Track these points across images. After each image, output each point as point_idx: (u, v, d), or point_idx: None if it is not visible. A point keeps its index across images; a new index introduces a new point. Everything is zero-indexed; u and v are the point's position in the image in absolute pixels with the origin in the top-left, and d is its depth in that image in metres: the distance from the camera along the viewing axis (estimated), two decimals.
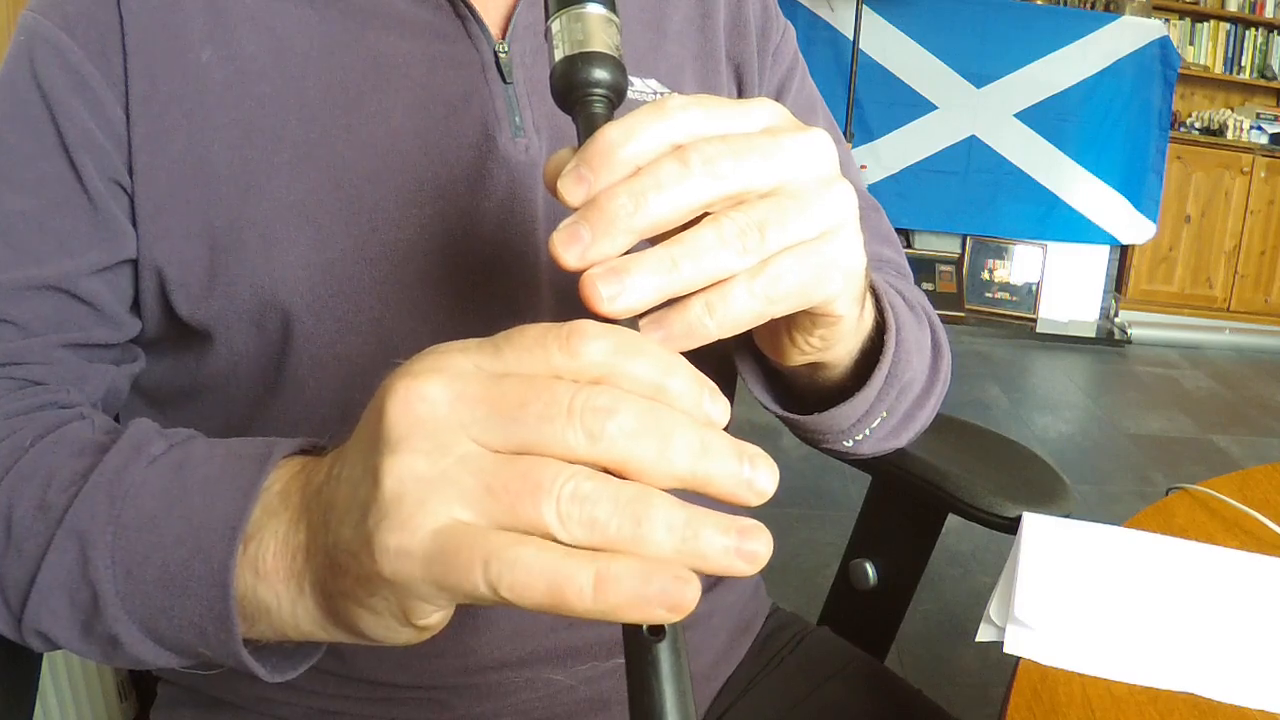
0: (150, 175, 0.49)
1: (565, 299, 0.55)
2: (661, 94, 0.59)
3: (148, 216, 0.49)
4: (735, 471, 0.28)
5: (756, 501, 0.28)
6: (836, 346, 0.44)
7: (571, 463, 0.27)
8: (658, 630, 0.27)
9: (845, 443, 0.55)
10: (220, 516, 0.36)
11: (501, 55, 0.54)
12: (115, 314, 0.51)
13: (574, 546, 0.26)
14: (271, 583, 0.35)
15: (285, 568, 0.34)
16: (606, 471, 0.27)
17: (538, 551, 0.26)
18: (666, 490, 0.28)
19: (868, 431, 0.54)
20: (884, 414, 0.53)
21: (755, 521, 0.27)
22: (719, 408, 0.29)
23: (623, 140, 0.32)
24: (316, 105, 0.51)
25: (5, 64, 0.50)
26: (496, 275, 0.53)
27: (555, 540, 0.26)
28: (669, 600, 0.25)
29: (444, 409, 0.28)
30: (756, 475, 0.28)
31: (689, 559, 0.26)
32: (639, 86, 0.58)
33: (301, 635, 0.36)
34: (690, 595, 0.25)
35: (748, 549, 0.27)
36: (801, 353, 0.43)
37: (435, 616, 0.31)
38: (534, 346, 0.28)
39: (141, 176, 0.49)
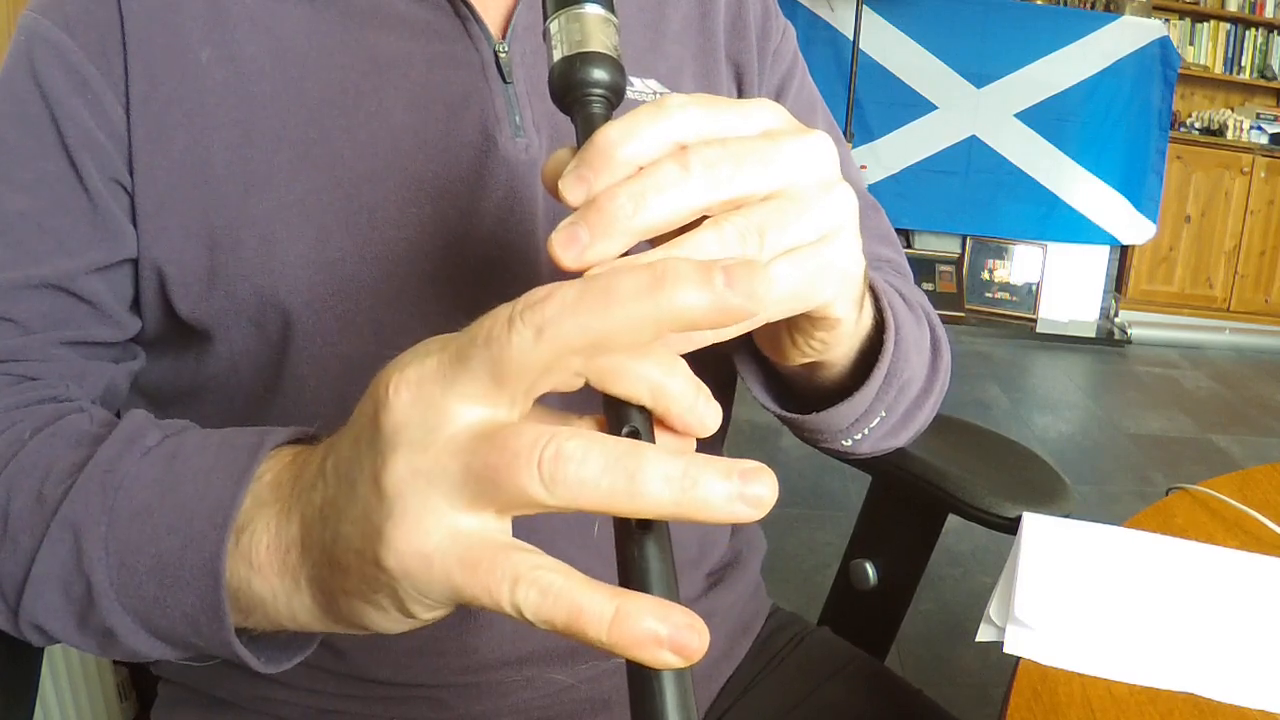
0: (150, 175, 0.49)
1: None
2: (661, 94, 0.59)
3: (148, 216, 0.49)
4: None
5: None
6: (836, 347, 0.44)
7: (531, 363, 0.26)
8: None
9: (844, 442, 0.55)
10: (212, 506, 0.36)
11: (501, 55, 0.54)
12: (115, 313, 0.51)
13: (564, 509, 0.26)
14: (266, 576, 0.35)
15: (279, 562, 0.34)
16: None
17: (565, 579, 0.26)
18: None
19: (866, 431, 0.54)
20: (883, 413, 0.53)
21: (758, 463, 0.27)
22: (712, 411, 0.29)
23: (622, 140, 0.32)
24: (316, 105, 0.51)
25: (5, 64, 0.50)
26: (496, 275, 0.53)
27: (546, 507, 0.26)
28: (679, 646, 0.25)
29: (425, 389, 0.28)
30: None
31: (690, 510, 0.26)
32: (638, 87, 0.58)
33: (299, 626, 0.36)
34: (699, 646, 0.25)
35: (751, 493, 0.26)
36: (802, 354, 0.43)
37: (439, 610, 0.31)
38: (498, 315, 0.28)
39: (141, 176, 0.49)
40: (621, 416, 0.29)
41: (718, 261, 0.26)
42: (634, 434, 0.28)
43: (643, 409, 0.29)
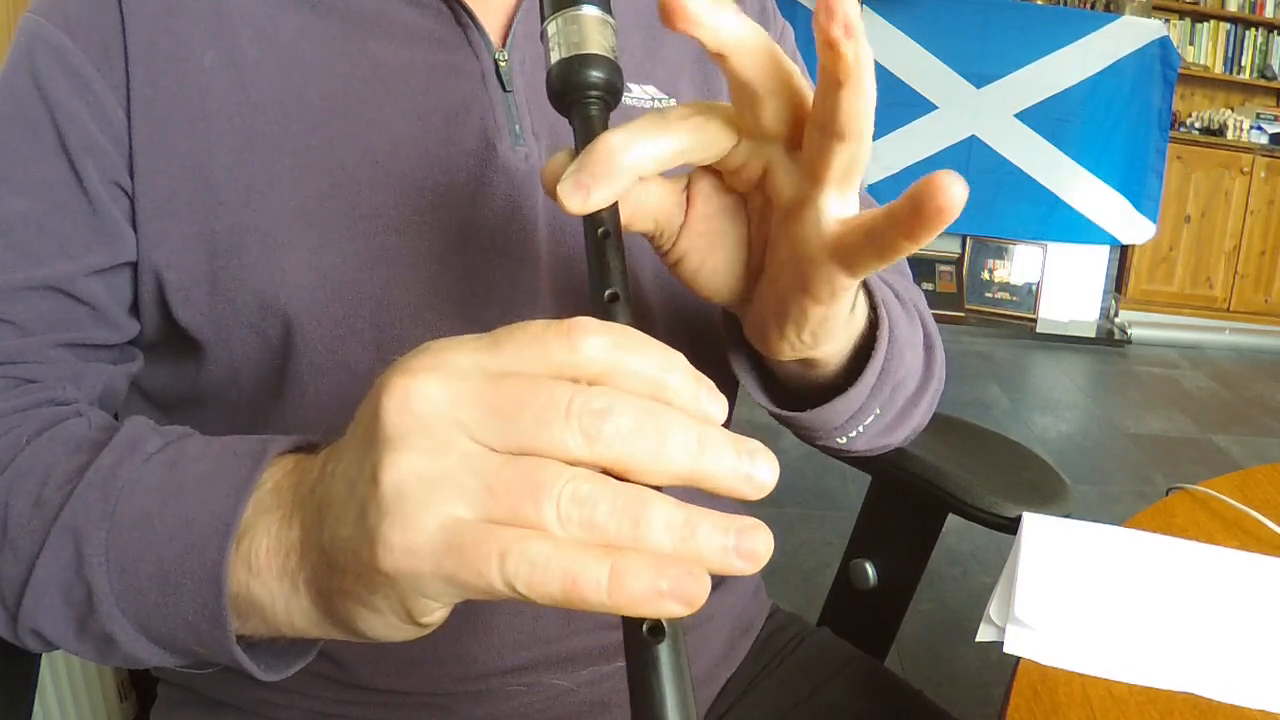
0: (151, 179, 0.49)
1: (564, 304, 0.55)
2: (659, 100, 0.59)
3: (148, 220, 0.49)
4: (734, 466, 0.28)
5: (757, 495, 0.28)
6: (826, 344, 0.44)
7: (570, 464, 0.27)
8: (658, 630, 0.27)
9: (839, 440, 0.55)
10: (214, 513, 0.36)
11: (501, 64, 0.54)
12: (113, 315, 0.51)
13: (567, 542, 0.26)
14: (265, 580, 0.35)
15: (279, 565, 0.34)
16: (606, 472, 0.27)
17: (554, 547, 0.26)
18: (667, 487, 0.28)
19: (860, 429, 0.54)
20: (877, 411, 0.53)
21: (755, 520, 0.27)
22: (716, 404, 0.29)
23: (623, 148, 0.32)
24: (318, 112, 0.51)
25: (6, 66, 0.50)
26: (496, 282, 0.53)
27: (550, 538, 0.26)
28: (681, 594, 0.25)
29: (443, 407, 0.28)
30: (756, 469, 0.28)
31: (688, 559, 0.26)
32: (636, 93, 0.58)
33: (296, 632, 0.36)
34: (701, 590, 0.26)
35: (747, 548, 0.27)
36: (791, 348, 0.43)
37: (437, 614, 0.31)
38: (533, 342, 0.28)
39: (142, 179, 0.49)
40: None
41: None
42: None
43: None
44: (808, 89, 0.35)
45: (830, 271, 0.37)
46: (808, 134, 0.35)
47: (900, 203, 0.32)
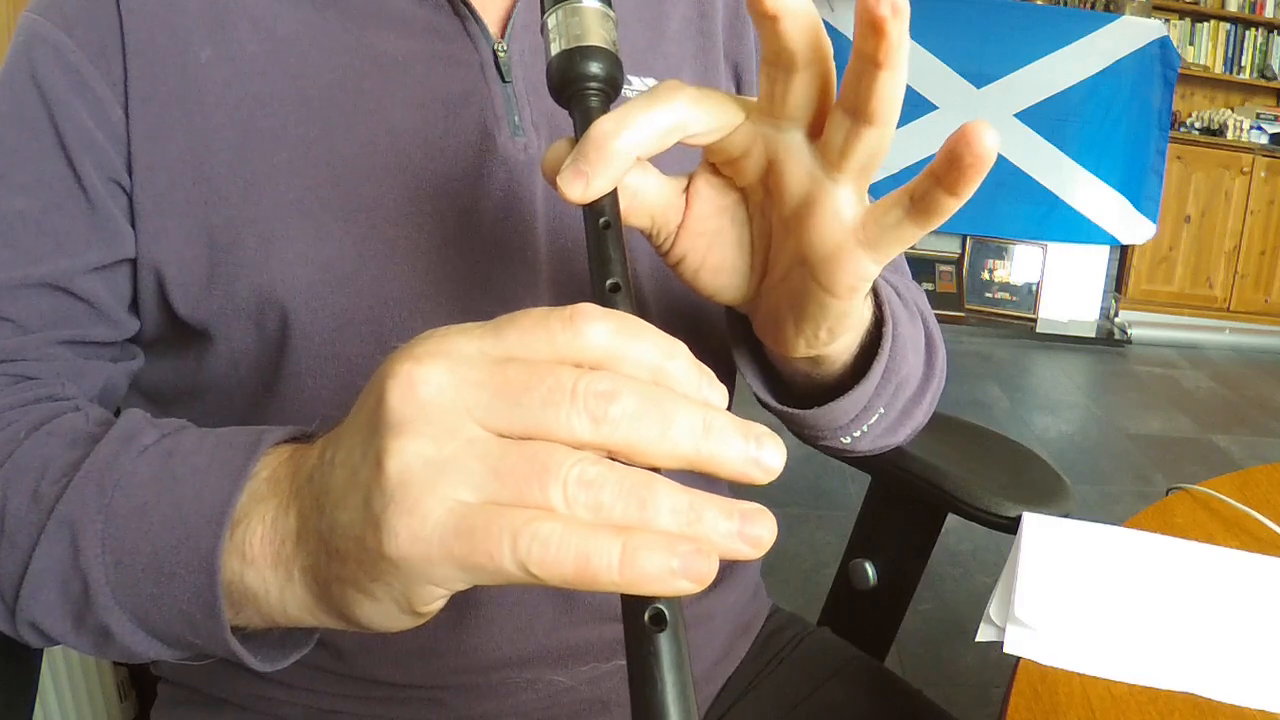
0: (149, 175, 0.49)
1: (563, 296, 0.55)
2: None
3: (146, 216, 0.49)
4: (741, 450, 0.28)
5: (765, 479, 0.28)
6: (840, 338, 0.44)
7: (575, 447, 0.27)
8: (659, 619, 0.27)
9: (843, 439, 0.55)
10: (208, 504, 0.36)
11: (500, 54, 0.54)
12: (113, 312, 0.51)
13: (574, 524, 0.26)
14: (259, 568, 0.35)
15: (273, 553, 0.34)
16: (611, 457, 0.27)
17: (565, 526, 0.26)
18: (673, 470, 0.28)
19: (865, 428, 0.54)
20: (881, 410, 0.53)
21: (758, 505, 0.27)
22: (717, 392, 0.29)
23: (616, 131, 0.32)
24: (316, 104, 0.51)
25: (4, 64, 0.50)
26: (495, 273, 0.53)
27: (557, 519, 0.26)
28: (692, 572, 0.25)
29: (449, 392, 0.27)
30: (763, 453, 0.28)
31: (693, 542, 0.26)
32: (636, 85, 0.58)
33: (290, 621, 0.36)
34: (710, 568, 0.26)
35: (751, 533, 0.27)
36: (808, 344, 0.43)
37: (436, 604, 0.31)
38: (536, 328, 0.28)
39: (140, 176, 0.49)
40: None
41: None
42: None
43: None
44: (835, 75, 0.35)
45: (856, 260, 0.37)
46: (832, 119, 0.34)
47: (938, 160, 0.32)
